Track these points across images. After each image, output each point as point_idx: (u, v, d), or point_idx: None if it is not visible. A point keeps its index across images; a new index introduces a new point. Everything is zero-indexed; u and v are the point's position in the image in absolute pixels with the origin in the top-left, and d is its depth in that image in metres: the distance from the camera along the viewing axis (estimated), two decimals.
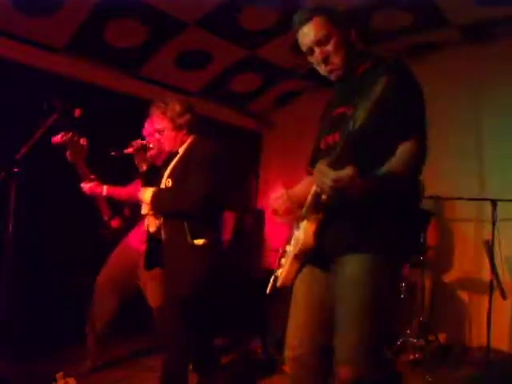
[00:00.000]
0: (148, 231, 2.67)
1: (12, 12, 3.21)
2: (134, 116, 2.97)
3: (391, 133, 1.43)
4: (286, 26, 3.89)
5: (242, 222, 4.81)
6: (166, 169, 2.62)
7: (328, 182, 1.37)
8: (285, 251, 1.77)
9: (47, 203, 3.65)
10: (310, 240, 1.58)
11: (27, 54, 3.57)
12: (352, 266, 1.51)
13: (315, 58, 1.66)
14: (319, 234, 1.58)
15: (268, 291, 1.77)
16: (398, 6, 3.58)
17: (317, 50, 1.64)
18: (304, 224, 1.61)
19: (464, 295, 4.10)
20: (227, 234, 4.60)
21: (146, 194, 2.54)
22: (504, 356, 3.72)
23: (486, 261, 3.52)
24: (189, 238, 2.44)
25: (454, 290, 4.13)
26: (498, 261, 3.51)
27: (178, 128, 2.63)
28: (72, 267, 3.66)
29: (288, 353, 1.70)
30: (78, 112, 2.67)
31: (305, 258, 1.65)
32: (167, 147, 2.68)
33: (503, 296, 3.46)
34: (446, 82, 4.11)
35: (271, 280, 1.76)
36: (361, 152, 1.38)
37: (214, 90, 4.84)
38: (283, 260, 1.74)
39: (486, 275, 3.59)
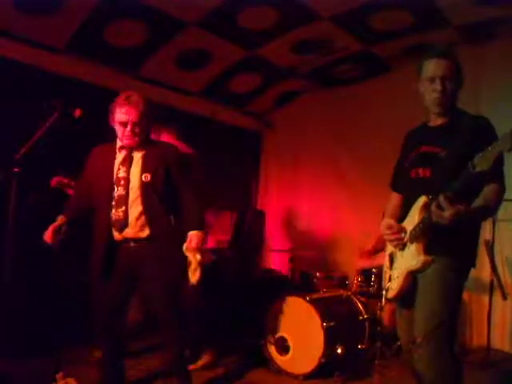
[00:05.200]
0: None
1: (12, 12, 3.21)
2: None
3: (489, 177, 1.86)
4: (286, 26, 3.92)
5: (242, 222, 4.81)
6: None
7: (448, 215, 1.77)
8: (390, 267, 2.13)
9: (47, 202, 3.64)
10: (427, 257, 1.93)
11: (27, 53, 3.57)
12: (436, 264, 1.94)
13: (433, 85, 2.00)
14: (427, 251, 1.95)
15: (383, 302, 2.31)
16: (398, 6, 3.59)
17: (438, 82, 1.99)
18: (414, 246, 1.97)
19: (464, 295, 4.08)
20: (227, 234, 4.61)
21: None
22: (504, 356, 3.72)
23: (486, 261, 3.52)
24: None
25: None
26: (498, 261, 3.52)
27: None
28: (73, 266, 3.66)
29: None
30: (78, 112, 2.67)
31: (418, 272, 1.98)
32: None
33: (503, 296, 3.47)
34: None
35: (383, 291, 2.16)
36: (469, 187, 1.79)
37: (214, 90, 4.84)
38: (394, 274, 2.10)
39: (486, 275, 3.59)
